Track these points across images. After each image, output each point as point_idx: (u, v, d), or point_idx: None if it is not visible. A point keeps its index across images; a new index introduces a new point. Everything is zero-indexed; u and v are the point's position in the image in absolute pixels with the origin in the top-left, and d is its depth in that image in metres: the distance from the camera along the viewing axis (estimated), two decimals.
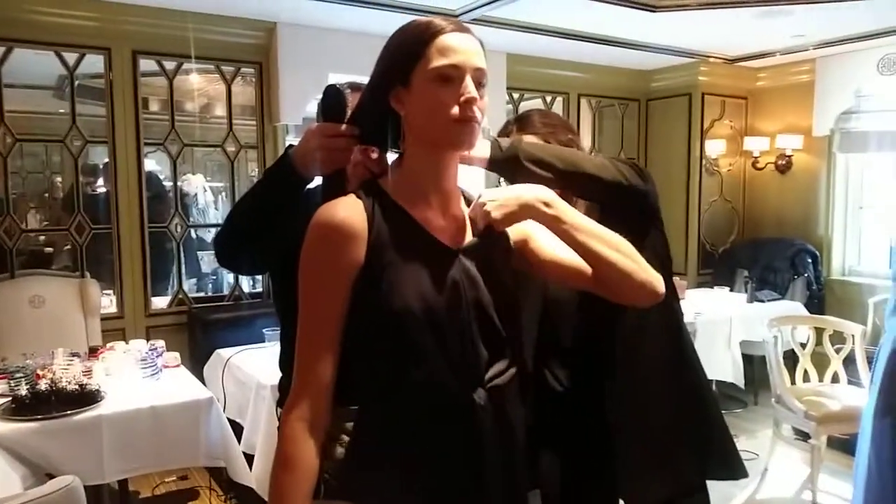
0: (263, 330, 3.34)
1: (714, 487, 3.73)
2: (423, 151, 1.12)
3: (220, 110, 4.20)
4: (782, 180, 5.57)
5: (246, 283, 4.34)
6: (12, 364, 2.67)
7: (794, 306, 4.63)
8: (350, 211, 1.09)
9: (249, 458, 2.74)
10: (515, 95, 5.20)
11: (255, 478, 2.68)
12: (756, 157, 5.62)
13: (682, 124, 5.58)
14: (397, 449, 1.10)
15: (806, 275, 5.07)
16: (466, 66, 1.07)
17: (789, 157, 5.45)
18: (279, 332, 3.40)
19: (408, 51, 1.09)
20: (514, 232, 1.24)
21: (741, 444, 4.00)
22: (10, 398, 2.45)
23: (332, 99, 1.28)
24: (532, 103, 5.36)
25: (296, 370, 1.10)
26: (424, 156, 1.13)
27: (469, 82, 1.07)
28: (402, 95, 1.10)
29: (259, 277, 4.35)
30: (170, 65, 3.95)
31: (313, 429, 1.08)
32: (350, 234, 1.07)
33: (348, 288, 1.08)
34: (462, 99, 1.06)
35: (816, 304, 5.01)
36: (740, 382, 4.27)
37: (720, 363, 4.21)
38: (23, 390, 2.43)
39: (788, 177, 5.53)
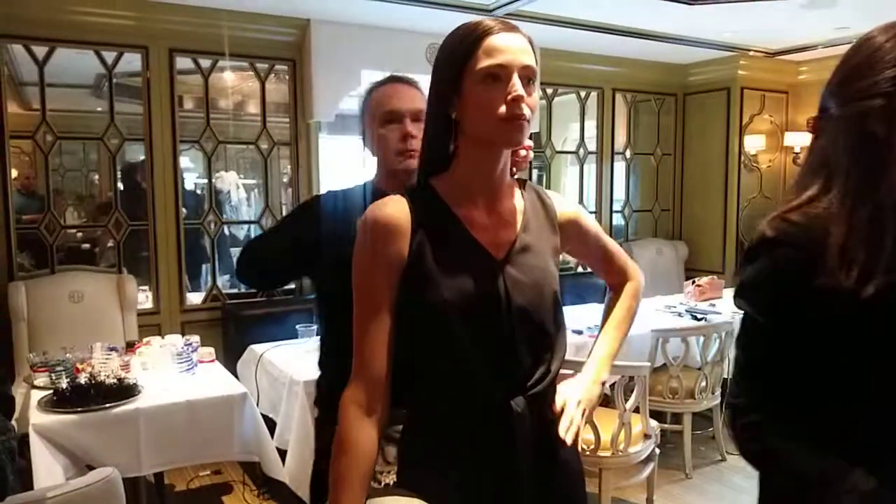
0: (296, 326, 3.36)
1: (751, 491, 3.65)
2: (474, 152, 1.15)
3: (253, 108, 4.24)
4: None
5: None
6: (53, 358, 2.73)
7: None
8: (395, 208, 1.14)
9: (282, 454, 2.76)
10: (549, 91, 5.15)
11: (287, 473, 2.70)
12: (797, 153, 5.48)
13: (721, 119, 5.47)
14: (439, 447, 1.15)
15: None
16: (513, 64, 1.09)
17: None
18: (315, 328, 3.43)
19: (456, 55, 1.12)
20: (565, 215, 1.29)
21: None
22: (51, 391, 2.51)
23: None
24: (566, 98, 5.31)
25: (353, 359, 1.15)
26: (474, 156, 1.16)
27: (516, 80, 1.09)
28: (454, 99, 1.13)
29: None
30: (205, 62, 4.00)
31: (369, 414, 1.13)
32: (394, 230, 1.13)
33: (395, 281, 1.13)
34: (509, 97, 1.08)
35: None
36: None
37: None
38: (63, 383, 2.49)
39: None
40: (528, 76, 1.11)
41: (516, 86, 1.08)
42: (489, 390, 1.13)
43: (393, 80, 1.65)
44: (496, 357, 1.13)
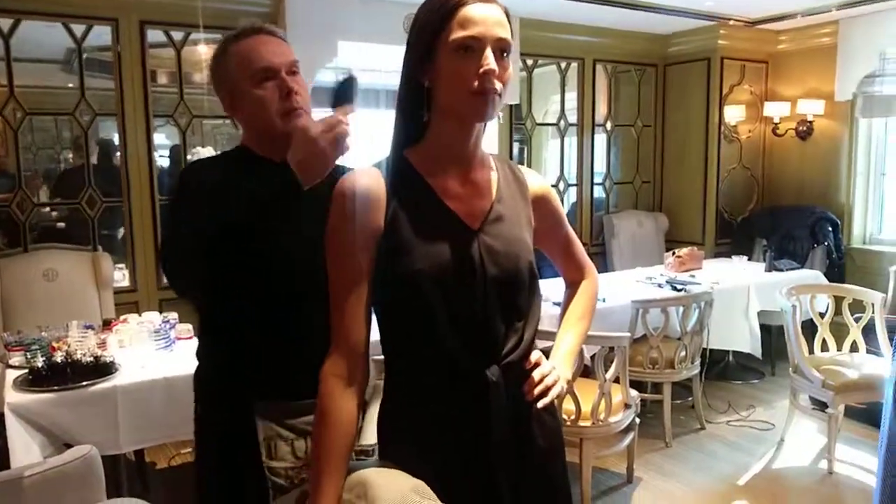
0: None
1: (729, 458, 3.72)
2: (446, 122, 1.15)
3: None
4: (803, 147, 5.45)
5: None
6: (28, 336, 2.69)
7: (813, 275, 4.56)
8: (369, 179, 1.14)
9: None
10: (529, 62, 5.11)
11: None
12: (776, 124, 5.49)
13: (701, 90, 5.46)
14: (416, 418, 1.16)
15: (826, 243, 4.98)
16: (487, 37, 1.08)
17: (810, 122, 5.32)
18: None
19: (430, 24, 1.10)
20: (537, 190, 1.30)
21: (757, 414, 4.00)
22: (27, 370, 2.48)
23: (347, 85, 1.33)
24: (546, 70, 5.27)
25: (331, 329, 1.15)
26: (447, 127, 1.15)
27: (489, 54, 1.08)
28: (428, 68, 1.12)
29: None
30: (177, 35, 3.91)
31: (349, 385, 1.13)
32: (370, 201, 1.12)
33: (372, 251, 1.13)
34: (481, 71, 1.07)
35: (836, 272, 4.92)
36: (758, 353, 4.23)
37: (737, 333, 4.17)
38: (39, 362, 2.46)
39: (809, 143, 5.41)
40: (502, 48, 1.10)
41: (489, 59, 1.08)
42: (464, 360, 1.13)
43: (253, 31, 1.44)
44: (471, 326, 1.14)
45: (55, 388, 2.36)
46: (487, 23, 1.08)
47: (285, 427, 1.35)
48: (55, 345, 2.55)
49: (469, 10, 1.08)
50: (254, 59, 1.39)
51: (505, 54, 1.11)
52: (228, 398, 1.43)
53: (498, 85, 1.09)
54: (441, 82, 1.11)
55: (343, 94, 1.33)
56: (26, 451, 2.25)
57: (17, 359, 2.62)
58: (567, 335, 1.34)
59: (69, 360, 2.45)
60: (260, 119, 1.41)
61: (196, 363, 1.53)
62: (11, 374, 2.50)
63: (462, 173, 1.19)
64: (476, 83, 1.08)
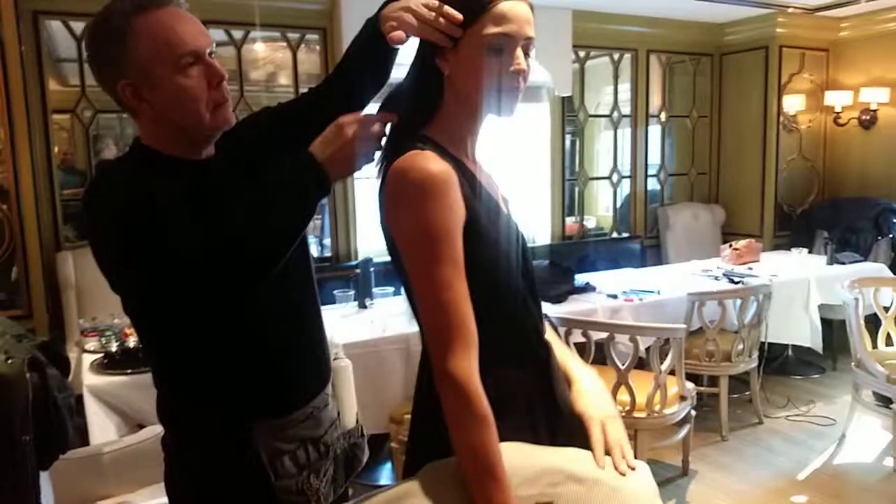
0: (334, 291, 3.45)
1: (788, 453, 3.64)
2: (464, 112, 1.14)
3: (285, 79, 4.26)
4: (866, 136, 5.27)
5: (314, 248, 4.44)
6: (102, 323, 2.84)
7: (877, 268, 4.41)
8: (441, 161, 1.06)
9: None
10: (581, 54, 5.07)
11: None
12: (838, 113, 5.33)
13: (759, 79, 5.33)
14: (502, 399, 1.08)
15: (891, 235, 4.81)
16: (518, 35, 1.07)
17: (874, 111, 5.14)
18: (352, 294, 3.41)
19: (462, 14, 1.07)
20: None
21: (818, 409, 3.91)
22: (102, 354, 2.62)
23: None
24: (599, 61, 5.23)
25: (449, 325, 1.03)
26: (464, 116, 1.14)
27: (520, 53, 1.08)
28: (450, 55, 1.10)
29: (328, 243, 4.43)
30: (237, 34, 4.03)
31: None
32: (454, 184, 1.05)
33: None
34: (511, 69, 1.07)
35: None
36: (818, 347, 4.12)
37: (797, 327, 4.07)
38: (113, 347, 2.60)
39: (873, 132, 5.22)
40: (527, 48, 1.10)
41: (520, 58, 1.08)
42: (534, 336, 1.18)
43: (158, 3, 1.16)
44: (531, 305, 1.18)
45: (128, 371, 2.49)
46: (520, 21, 1.07)
47: (285, 440, 1.25)
48: (127, 331, 2.68)
49: (503, 7, 1.06)
50: (174, 41, 1.14)
51: (530, 51, 1.11)
52: (225, 428, 1.23)
53: (523, 84, 1.10)
54: (465, 74, 1.09)
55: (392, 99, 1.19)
56: (103, 429, 2.38)
57: (91, 344, 2.77)
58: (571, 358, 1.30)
59: (140, 346, 2.58)
60: (185, 112, 1.17)
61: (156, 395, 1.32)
62: (87, 359, 2.65)
63: (474, 159, 1.19)
64: (503, 80, 1.08)
